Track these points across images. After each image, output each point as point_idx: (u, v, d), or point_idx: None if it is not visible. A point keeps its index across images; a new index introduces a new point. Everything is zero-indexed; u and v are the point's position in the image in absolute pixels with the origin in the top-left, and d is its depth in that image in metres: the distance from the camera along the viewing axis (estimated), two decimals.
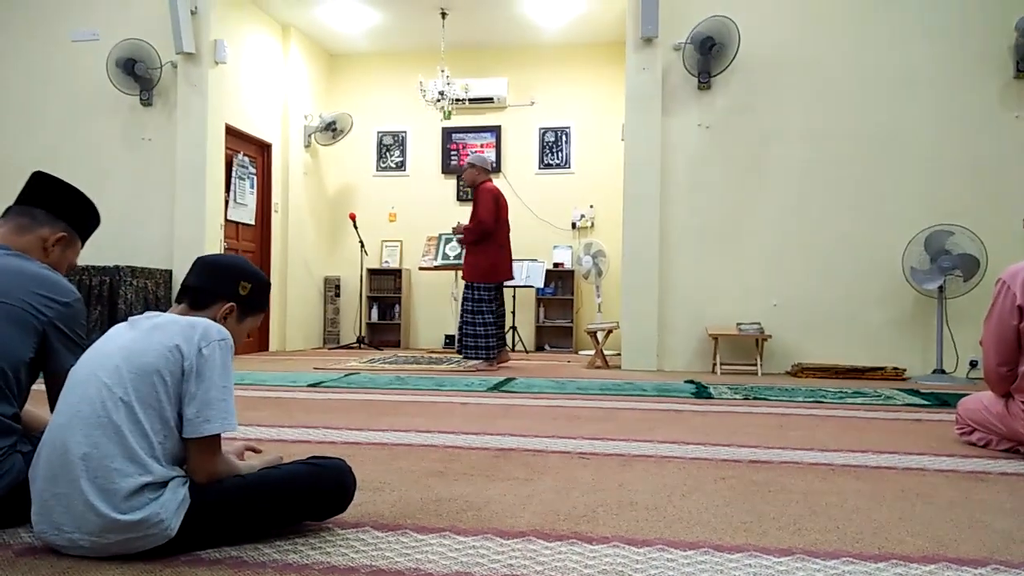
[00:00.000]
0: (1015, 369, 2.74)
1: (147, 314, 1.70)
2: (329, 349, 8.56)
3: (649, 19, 6.26)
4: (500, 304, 6.38)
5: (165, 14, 6.70)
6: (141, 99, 6.95)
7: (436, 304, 9.01)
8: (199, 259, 1.84)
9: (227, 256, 1.90)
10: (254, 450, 1.95)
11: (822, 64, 6.26)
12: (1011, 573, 1.56)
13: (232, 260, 1.85)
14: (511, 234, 6.42)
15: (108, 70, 6.82)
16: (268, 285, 1.88)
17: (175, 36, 6.67)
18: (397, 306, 9.04)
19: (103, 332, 1.74)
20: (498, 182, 7.01)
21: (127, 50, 6.82)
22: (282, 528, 1.72)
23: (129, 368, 1.56)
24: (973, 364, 5.74)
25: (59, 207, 1.96)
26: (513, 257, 6.51)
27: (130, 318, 1.71)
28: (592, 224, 8.77)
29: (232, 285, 1.78)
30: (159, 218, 6.87)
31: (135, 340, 1.61)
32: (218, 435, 1.60)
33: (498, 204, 6.18)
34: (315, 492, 1.75)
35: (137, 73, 6.84)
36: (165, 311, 1.71)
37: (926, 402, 4.35)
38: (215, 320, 1.72)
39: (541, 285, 8.33)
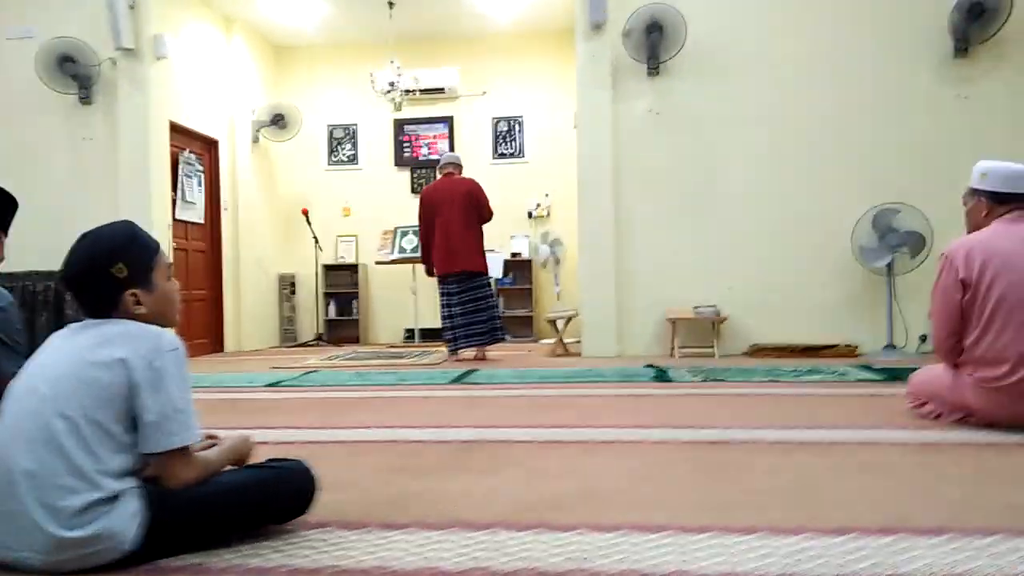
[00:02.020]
0: (962, 340, 2.81)
1: (88, 322, 1.63)
2: (287, 348, 8.44)
3: (597, 5, 6.27)
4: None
5: (102, 9, 6.49)
6: (80, 98, 6.72)
7: (395, 298, 8.93)
8: (60, 277, 1.66)
9: (75, 253, 1.63)
10: (212, 438, 1.89)
11: (768, 49, 6.33)
12: (966, 540, 1.60)
13: (83, 254, 1.63)
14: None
15: (39, 69, 6.57)
16: (133, 236, 1.67)
17: (113, 32, 6.46)
18: (355, 301, 8.94)
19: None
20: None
21: (60, 47, 6.58)
22: (244, 533, 1.69)
23: (72, 381, 1.50)
24: (923, 339, 5.90)
25: None
26: None
27: (69, 325, 1.64)
28: (548, 213, 8.78)
29: (107, 281, 1.61)
30: (104, 219, 6.55)
31: (78, 352, 1.55)
32: (183, 447, 1.56)
33: None
34: (276, 495, 1.72)
35: (74, 71, 6.62)
36: None
37: (879, 377, 4.46)
38: (131, 315, 1.63)
39: (500, 275, 8.31)
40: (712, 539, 1.64)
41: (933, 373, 3.05)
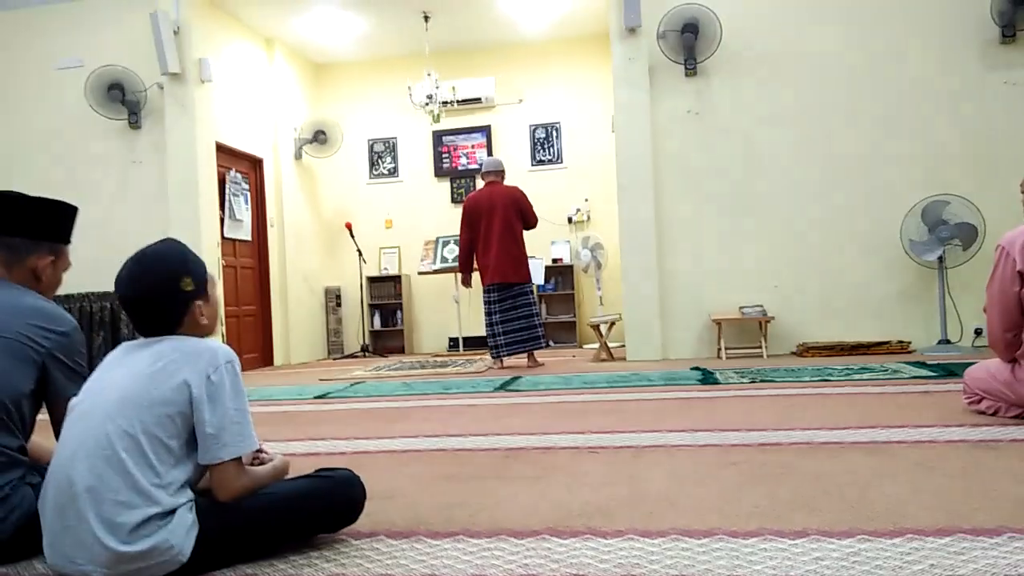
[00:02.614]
0: (1020, 334, 2.73)
1: (143, 340, 1.67)
2: (334, 360, 8.56)
3: (632, 9, 6.25)
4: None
5: (148, 36, 6.69)
6: (129, 122, 6.95)
7: (438, 308, 9.00)
8: (125, 296, 1.65)
9: (141, 272, 1.65)
10: (261, 452, 1.92)
11: (807, 43, 6.24)
12: None
13: (151, 272, 1.65)
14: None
15: (89, 96, 6.80)
16: (188, 251, 1.70)
17: (159, 57, 6.66)
18: (399, 312, 9.03)
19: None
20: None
21: (109, 75, 6.81)
22: (295, 543, 1.72)
23: (134, 400, 1.55)
24: (978, 332, 5.74)
25: (35, 228, 1.92)
26: None
27: (125, 343, 1.69)
28: (588, 217, 8.76)
29: (177, 295, 1.64)
30: (155, 239, 6.82)
31: (138, 370, 1.59)
32: (237, 457, 1.60)
33: None
34: (325, 505, 1.75)
35: (122, 97, 6.84)
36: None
37: (933, 373, 4.35)
38: (196, 327, 1.68)
39: (541, 282, 8.32)
40: (762, 543, 1.62)
41: (989, 368, 2.96)
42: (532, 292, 6.41)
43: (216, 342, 1.67)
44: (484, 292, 6.31)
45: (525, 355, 6.30)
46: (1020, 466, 2.21)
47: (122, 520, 1.47)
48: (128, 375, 1.59)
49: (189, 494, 1.57)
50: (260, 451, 1.84)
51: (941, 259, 5.72)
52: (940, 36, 6.03)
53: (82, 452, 1.52)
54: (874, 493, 1.98)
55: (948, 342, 5.71)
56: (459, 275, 7.97)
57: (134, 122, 6.95)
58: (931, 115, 6.03)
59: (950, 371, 4.32)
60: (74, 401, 1.63)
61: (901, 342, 5.81)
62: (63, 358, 1.81)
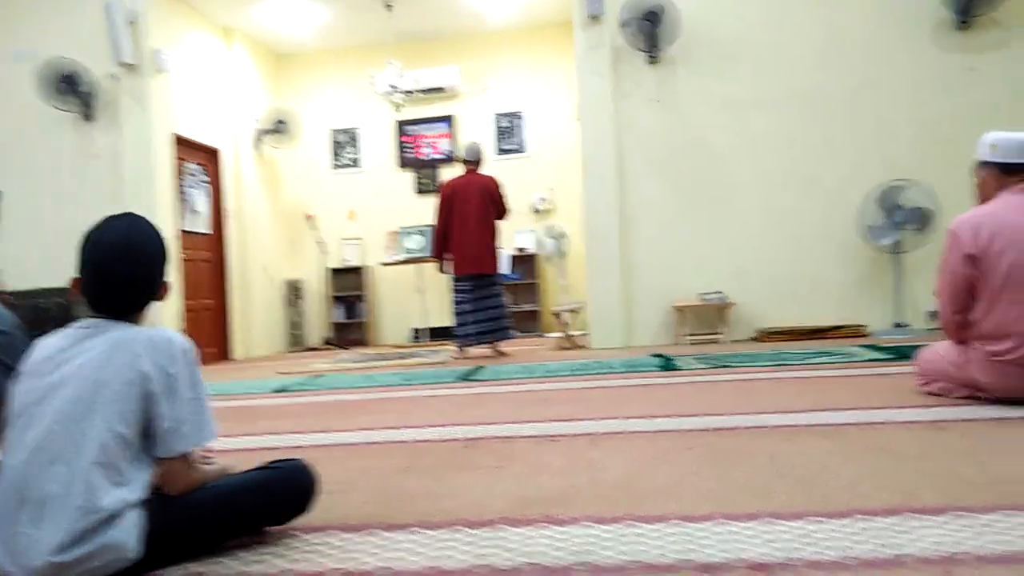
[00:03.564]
0: (969, 317, 2.78)
1: (88, 323, 1.59)
2: (295, 353, 8.47)
3: None
4: None
5: (102, 26, 6.51)
6: (83, 114, 6.77)
7: (401, 299, 8.95)
8: (107, 274, 1.60)
9: (132, 252, 1.61)
10: (207, 454, 1.88)
11: (767, 32, 6.30)
12: (972, 518, 1.58)
13: (145, 252, 1.62)
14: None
15: (41, 88, 6.61)
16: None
17: (114, 47, 6.50)
18: (362, 304, 8.96)
19: None
20: (456, 171, 6.95)
21: (62, 66, 6.63)
22: (245, 536, 1.69)
23: (93, 396, 1.50)
24: (931, 315, 5.85)
25: None
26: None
27: (64, 331, 1.60)
28: (553, 206, 8.76)
29: (160, 279, 1.64)
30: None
31: (94, 363, 1.53)
32: (189, 451, 1.57)
33: None
34: (275, 495, 1.72)
35: (76, 88, 6.66)
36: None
37: (887, 356, 4.43)
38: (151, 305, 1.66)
39: (507, 271, 8.31)
40: (716, 527, 1.63)
41: (940, 350, 3.02)
42: (501, 283, 6.39)
43: (171, 331, 1.63)
44: (456, 281, 6.26)
45: (489, 346, 6.29)
46: (967, 446, 2.25)
47: (80, 520, 1.43)
48: (83, 369, 1.52)
49: (142, 490, 1.53)
50: (207, 454, 1.80)
51: (897, 244, 5.82)
52: (898, 23, 6.12)
53: (39, 456, 1.46)
54: (827, 475, 2.01)
55: (902, 325, 5.82)
56: (423, 267, 7.97)
57: (88, 114, 6.77)
58: (889, 101, 6.12)
59: (903, 354, 4.40)
60: (25, 398, 1.56)
61: (857, 326, 5.92)
62: (4, 358, 1.75)
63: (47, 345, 1.61)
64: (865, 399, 3.11)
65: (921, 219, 5.67)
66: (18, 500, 1.45)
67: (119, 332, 1.57)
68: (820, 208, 6.18)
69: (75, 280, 1.62)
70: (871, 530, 1.55)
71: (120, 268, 1.60)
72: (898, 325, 5.82)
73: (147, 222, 1.68)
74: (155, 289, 1.65)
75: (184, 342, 1.60)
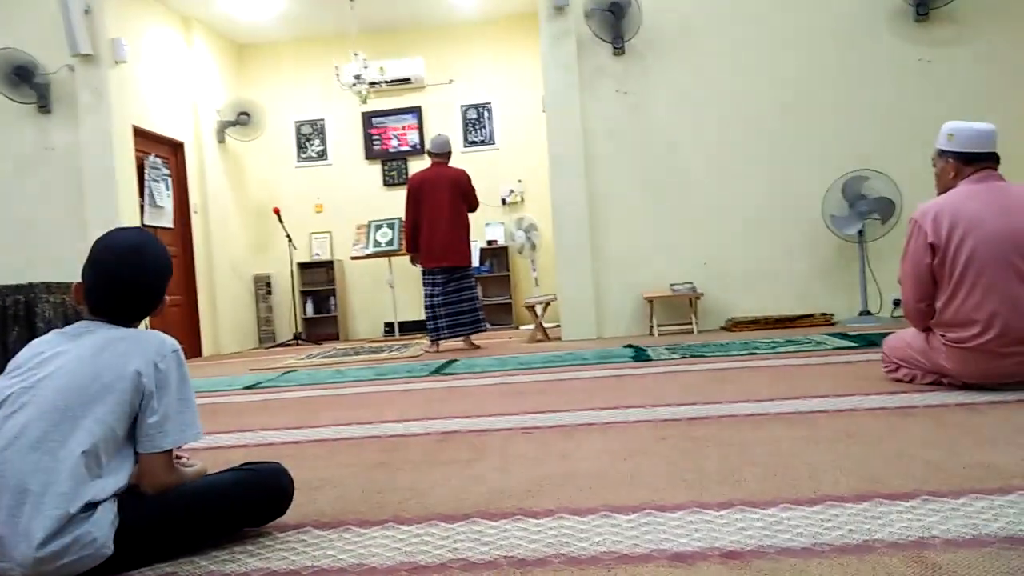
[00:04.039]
0: (932, 304, 2.83)
1: (80, 325, 1.62)
2: (265, 349, 8.39)
3: None
4: None
5: (57, 15, 6.35)
6: (38, 106, 6.61)
7: (372, 293, 8.89)
8: (115, 280, 1.63)
9: (146, 261, 1.66)
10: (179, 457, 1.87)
11: (729, 24, 6.34)
12: (939, 502, 1.61)
13: (154, 265, 1.67)
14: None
15: None
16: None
17: (69, 38, 6.34)
18: (332, 298, 8.89)
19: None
20: (424, 163, 6.91)
21: (15, 56, 6.45)
22: (219, 538, 1.67)
23: (81, 389, 1.50)
24: (896, 303, 5.96)
25: None
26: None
27: (59, 331, 1.62)
28: (522, 199, 8.76)
29: (162, 290, 1.69)
30: (71, 229, 6.52)
31: (82, 358, 1.54)
32: (170, 450, 1.58)
33: None
34: (250, 498, 1.71)
35: (31, 80, 6.49)
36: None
37: (854, 344, 4.50)
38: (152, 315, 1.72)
39: (477, 264, 8.29)
40: (689, 515, 1.65)
41: (905, 338, 3.08)
42: (473, 275, 6.38)
43: (159, 332, 1.65)
44: (426, 274, 6.22)
45: (462, 339, 6.28)
46: (934, 430, 2.30)
47: (57, 514, 1.41)
48: (73, 363, 1.53)
49: (118, 486, 1.52)
50: (179, 456, 1.79)
51: (861, 233, 5.91)
52: (858, 13, 6.20)
53: (22, 444, 1.44)
54: (796, 462, 2.04)
55: (869, 313, 5.92)
56: (394, 260, 7.94)
57: (43, 106, 6.61)
58: (849, 92, 6.20)
59: (870, 341, 4.47)
60: (9, 390, 1.53)
61: (824, 314, 6.01)
62: None
63: (39, 342, 1.63)
64: (833, 386, 3.16)
65: (884, 208, 5.76)
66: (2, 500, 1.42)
67: (112, 331, 1.61)
68: (786, 198, 6.25)
69: (78, 285, 1.64)
70: (841, 516, 1.57)
71: (128, 272, 1.63)
72: (864, 313, 5.92)
73: (157, 237, 1.74)
74: (157, 299, 1.69)
75: (173, 341, 1.64)
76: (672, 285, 6.14)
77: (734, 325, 6.04)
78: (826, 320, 5.97)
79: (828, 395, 2.97)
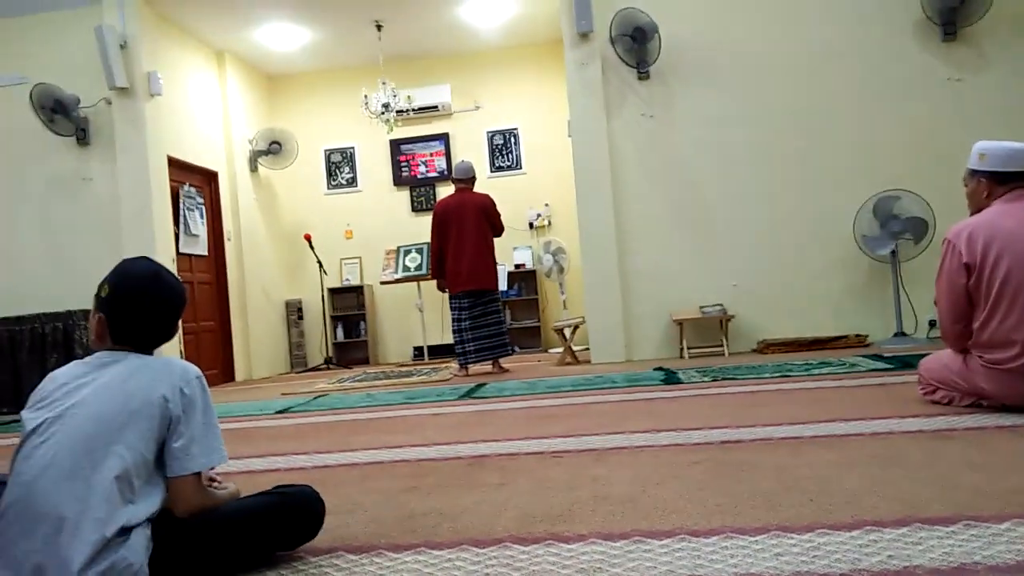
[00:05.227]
0: (969, 325, 2.78)
1: (104, 355, 1.65)
2: (297, 373, 8.45)
3: (583, 14, 6.28)
4: None
5: (95, 50, 6.53)
6: (78, 139, 6.78)
7: (401, 317, 8.94)
8: (136, 308, 1.66)
9: (163, 291, 1.70)
10: (213, 480, 1.90)
11: (753, 46, 6.33)
12: (981, 528, 1.57)
13: (172, 294, 1.71)
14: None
15: (34, 113, 6.58)
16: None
17: (106, 72, 6.52)
18: (362, 323, 8.95)
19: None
20: (450, 189, 6.96)
21: (55, 90, 6.63)
22: (251, 562, 1.68)
23: (112, 417, 1.52)
24: (932, 324, 5.85)
25: None
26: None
27: (83, 360, 1.66)
28: (549, 222, 8.78)
29: (176, 320, 1.73)
30: (109, 257, 6.62)
31: (111, 386, 1.57)
32: (199, 473, 1.60)
33: None
34: (283, 522, 1.72)
35: (70, 113, 6.67)
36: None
37: (889, 366, 4.42)
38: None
39: (505, 288, 8.31)
40: (724, 541, 1.62)
41: (943, 359, 3.02)
42: (500, 299, 6.40)
43: (182, 360, 1.71)
44: (453, 299, 6.27)
45: (490, 362, 6.28)
46: (974, 454, 2.25)
47: (94, 539, 1.43)
48: (101, 391, 1.57)
49: (151, 510, 1.54)
50: (212, 480, 1.81)
51: (894, 253, 5.83)
52: (883, 34, 6.16)
53: (54, 472, 1.47)
54: (833, 487, 2.00)
55: (903, 334, 5.82)
56: (423, 284, 8.00)
57: (83, 138, 6.79)
58: (878, 112, 6.15)
59: (906, 363, 4.39)
60: (37, 421, 1.56)
61: (858, 336, 5.91)
62: None
63: (60, 373, 1.65)
64: (869, 409, 3.11)
65: (917, 228, 5.68)
66: (30, 518, 1.45)
67: (137, 360, 1.64)
68: (816, 219, 6.19)
69: (99, 319, 1.66)
70: (880, 542, 1.54)
71: (149, 300, 1.67)
72: (899, 334, 5.82)
73: (167, 268, 1.78)
74: (174, 326, 1.72)
75: (196, 368, 1.67)
76: (702, 307, 6.10)
77: (766, 347, 5.97)
78: (860, 342, 5.87)
79: (864, 418, 2.92)
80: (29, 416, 1.58)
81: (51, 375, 1.66)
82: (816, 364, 4.80)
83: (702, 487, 2.10)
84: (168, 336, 1.72)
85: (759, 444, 2.62)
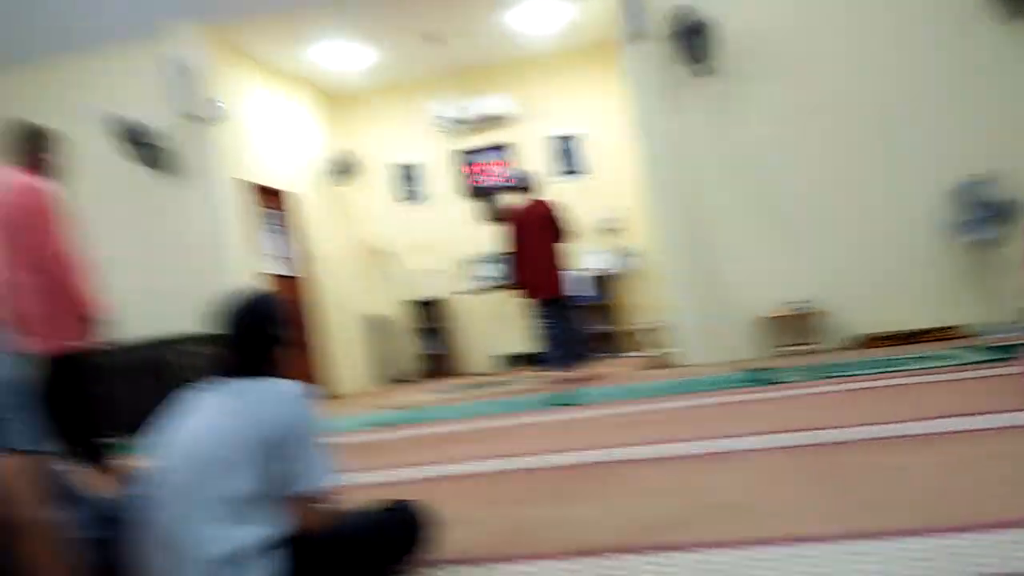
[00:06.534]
0: None
1: (214, 381, 1.72)
2: (383, 387, 8.61)
3: (636, 13, 6.24)
4: None
5: (164, 80, 6.79)
6: (152, 166, 7.01)
7: (481, 327, 9.01)
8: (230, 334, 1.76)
9: (244, 316, 1.78)
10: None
11: (819, 34, 6.13)
12: None
13: (256, 317, 1.78)
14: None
15: (110, 143, 6.84)
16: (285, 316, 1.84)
17: (178, 100, 6.78)
18: (443, 334, 9.05)
19: (157, 405, 1.76)
20: (516, 197, 6.98)
21: (129, 120, 6.86)
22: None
23: (225, 443, 1.58)
24: None
25: None
26: None
27: (199, 387, 1.73)
28: (622, 224, 8.71)
29: (269, 338, 1.77)
30: (194, 283, 6.80)
31: (221, 413, 1.63)
32: (315, 490, 1.64)
33: None
34: (393, 537, 1.76)
35: (145, 142, 6.93)
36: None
37: (993, 356, 4.22)
38: (275, 366, 1.77)
39: (580, 293, 8.28)
40: (839, 546, 1.58)
41: None
42: (575, 305, 6.41)
43: (290, 382, 1.72)
44: (531, 308, 6.34)
45: (576, 368, 6.28)
46: None
47: (211, 564, 1.49)
48: (212, 417, 1.63)
49: (264, 533, 1.59)
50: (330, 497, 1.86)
51: (988, 239, 5.57)
52: (956, 15, 5.89)
53: (169, 497, 1.54)
54: (952, 486, 1.93)
55: (1007, 323, 5.54)
56: (497, 293, 8.06)
57: (157, 166, 7.03)
58: (958, 93, 5.88)
59: (1010, 352, 4.19)
60: (154, 447, 1.65)
61: (957, 326, 5.66)
62: None
63: (177, 399, 1.73)
64: (982, 403, 2.97)
65: (1009, 212, 5.42)
66: (163, 552, 1.52)
67: (244, 384, 1.69)
68: (902, 207, 5.96)
69: (216, 353, 1.74)
70: (1007, 543, 1.48)
71: (245, 325, 1.75)
72: (1001, 323, 5.55)
73: (267, 290, 1.88)
74: (274, 340, 1.76)
75: (302, 389, 1.70)
76: (790, 303, 5.96)
77: (860, 342, 5.78)
78: (959, 332, 5.62)
79: (973, 413, 2.80)
80: (149, 442, 1.66)
81: (166, 402, 1.74)
82: (916, 357, 4.62)
83: (813, 491, 2.06)
84: (264, 354, 1.74)
85: (870, 443, 2.55)
